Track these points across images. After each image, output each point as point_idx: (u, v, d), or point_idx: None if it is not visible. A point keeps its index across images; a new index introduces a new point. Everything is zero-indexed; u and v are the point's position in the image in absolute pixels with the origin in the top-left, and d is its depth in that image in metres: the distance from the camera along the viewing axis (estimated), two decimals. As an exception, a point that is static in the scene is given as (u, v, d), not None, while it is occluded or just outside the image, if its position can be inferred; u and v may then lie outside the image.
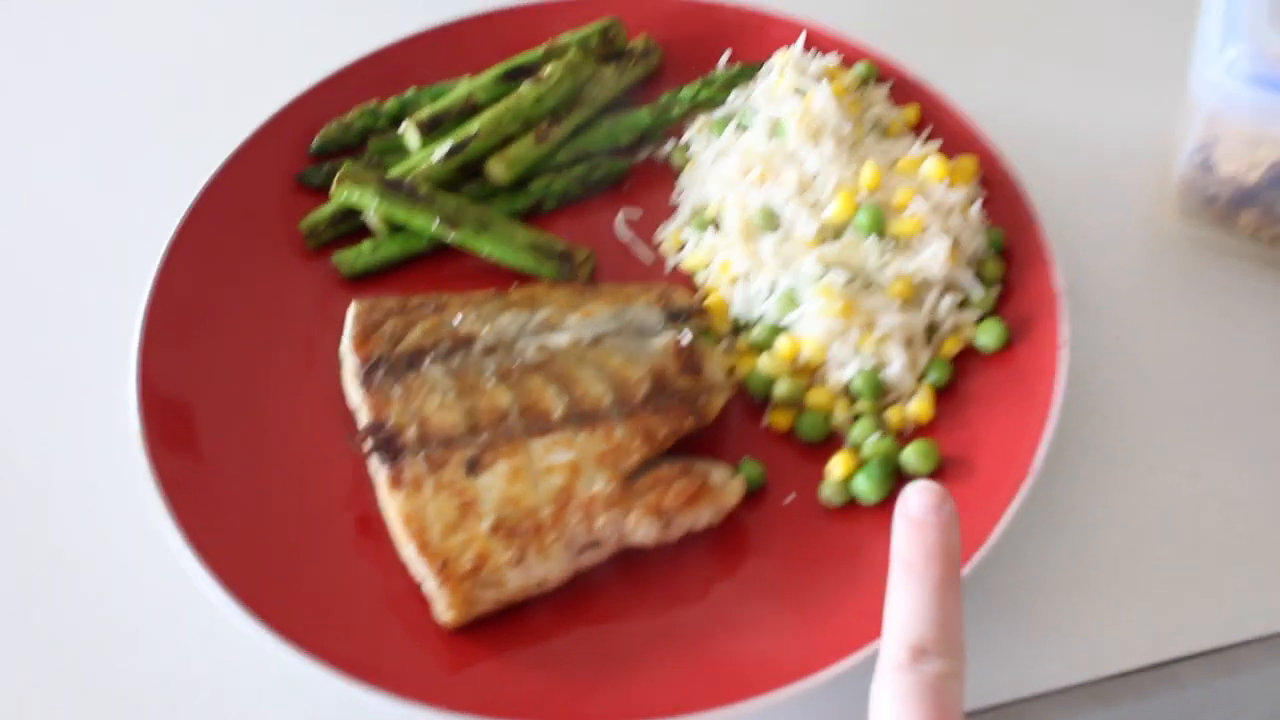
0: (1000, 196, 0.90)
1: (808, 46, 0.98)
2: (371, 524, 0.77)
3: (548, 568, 0.72)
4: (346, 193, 0.89)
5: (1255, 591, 0.78)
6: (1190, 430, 0.85)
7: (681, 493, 0.74)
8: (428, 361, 0.79)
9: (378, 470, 0.76)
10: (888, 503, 0.78)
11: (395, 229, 0.91)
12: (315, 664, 0.69)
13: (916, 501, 0.59)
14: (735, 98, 0.96)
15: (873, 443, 0.79)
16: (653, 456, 0.76)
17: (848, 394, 0.82)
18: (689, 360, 0.80)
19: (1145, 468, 0.83)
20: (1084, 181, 0.98)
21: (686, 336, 0.81)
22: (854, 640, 0.71)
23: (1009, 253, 0.88)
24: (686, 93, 0.97)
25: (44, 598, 0.79)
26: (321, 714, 0.74)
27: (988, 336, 0.83)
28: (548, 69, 0.95)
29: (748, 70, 0.97)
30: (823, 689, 0.70)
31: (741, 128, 0.93)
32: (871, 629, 0.70)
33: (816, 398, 0.82)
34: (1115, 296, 0.92)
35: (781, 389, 0.82)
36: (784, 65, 0.94)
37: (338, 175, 0.90)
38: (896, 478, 0.79)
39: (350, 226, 0.92)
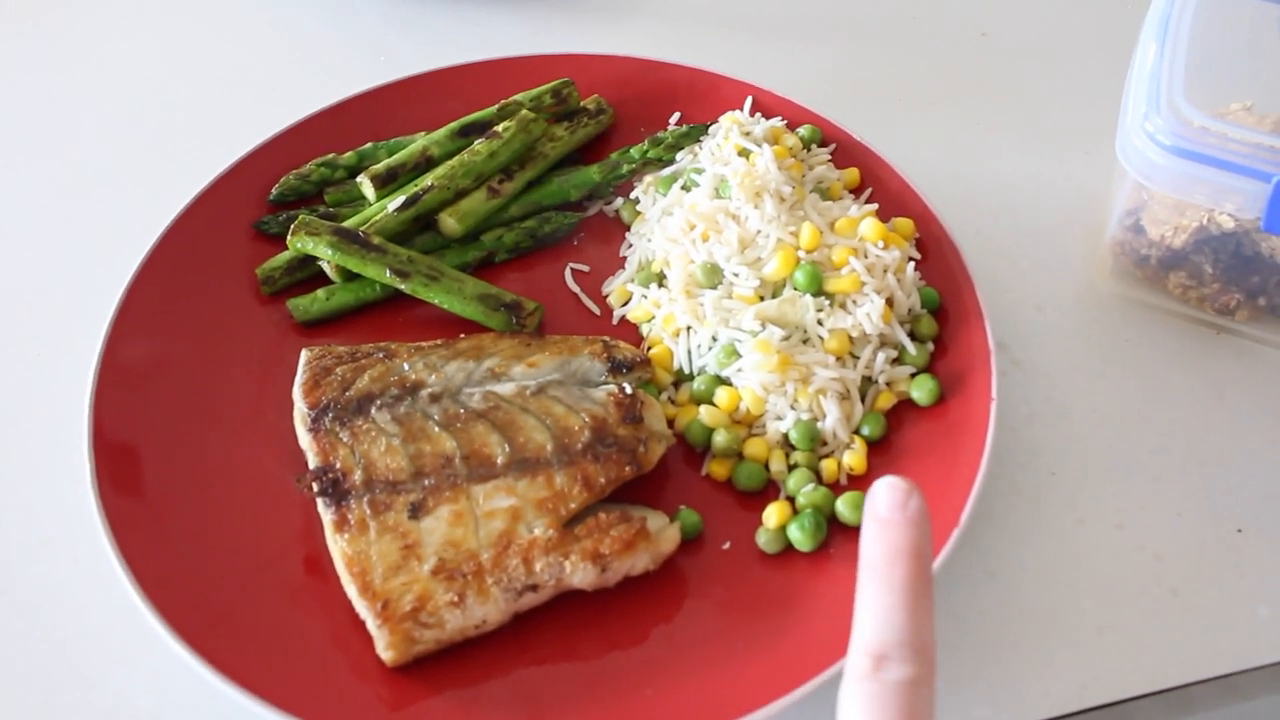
0: (937, 256, 0.93)
1: (754, 109, 1.02)
2: (320, 564, 0.79)
3: (487, 610, 0.74)
4: (301, 242, 0.91)
5: (1177, 642, 0.80)
6: (1118, 484, 0.87)
7: (619, 539, 0.76)
8: (375, 408, 0.81)
9: (324, 512, 0.78)
10: (822, 550, 0.80)
11: (350, 277, 0.93)
12: (257, 701, 0.71)
13: (884, 499, 0.55)
14: (683, 157, 0.99)
15: (808, 492, 0.81)
16: (592, 503, 0.78)
17: (785, 445, 0.85)
18: (630, 410, 0.82)
19: (1073, 519, 0.86)
20: (1022, 243, 1.01)
21: (628, 387, 0.83)
22: (788, 681, 0.72)
23: (943, 311, 0.91)
24: (636, 151, 1.00)
25: (-9, 635, 0.80)
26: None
27: (921, 391, 0.86)
28: (502, 126, 0.98)
29: (696, 130, 1.00)
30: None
31: (688, 186, 0.96)
32: (805, 670, 0.72)
33: (754, 448, 0.84)
34: (1049, 354, 0.95)
35: (720, 439, 0.84)
36: (730, 127, 0.97)
37: (293, 225, 0.92)
38: (830, 527, 0.81)
39: (306, 274, 0.94)
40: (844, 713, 0.51)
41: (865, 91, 1.13)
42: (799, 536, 0.79)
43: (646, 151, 0.99)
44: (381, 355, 0.85)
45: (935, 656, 0.53)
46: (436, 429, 0.80)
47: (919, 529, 0.54)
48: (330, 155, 0.99)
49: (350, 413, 0.81)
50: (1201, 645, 0.80)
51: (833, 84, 1.13)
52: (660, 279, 0.93)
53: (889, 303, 0.88)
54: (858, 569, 0.55)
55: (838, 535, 0.81)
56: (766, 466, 0.84)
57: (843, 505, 0.80)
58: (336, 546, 0.76)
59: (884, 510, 0.55)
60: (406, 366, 0.84)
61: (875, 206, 0.94)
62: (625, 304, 0.94)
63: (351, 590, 0.75)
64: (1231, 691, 0.80)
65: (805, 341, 0.87)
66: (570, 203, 1.00)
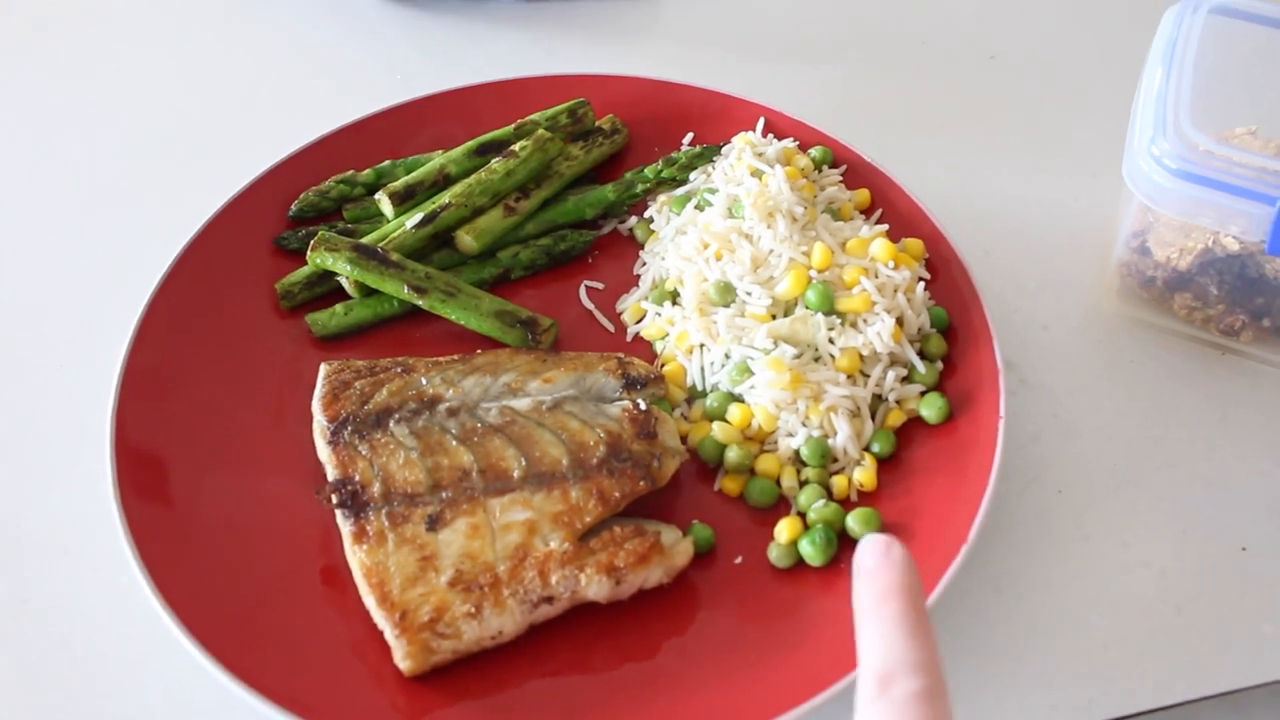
0: (946, 276, 0.94)
1: (767, 130, 1.03)
2: (338, 574, 0.80)
3: (503, 621, 0.75)
4: (320, 258, 0.92)
5: (1181, 658, 0.81)
6: (1123, 501, 0.88)
7: (633, 552, 0.77)
8: (394, 421, 0.82)
9: (343, 524, 0.79)
10: (832, 564, 0.81)
11: (368, 293, 0.94)
12: (275, 708, 0.72)
13: (867, 553, 0.58)
14: (696, 177, 1.00)
15: (818, 508, 0.82)
16: (607, 517, 0.79)
17: (796, 461, 0.86)
18: (644, 426, 0.83)
19: (1079, 536, 0.86)
20: (1030, 263, 1.02)
21: (642, 403, 0.85)
22: (799, 693, 0.73)
23: (952, 330, 0.92)
24: (650, 171, 1.01)
25: (12, 641, 0.81)
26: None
27: (930, 409, 0.87)
28: (518, 145, 0.99)
29: (709, 151, 1.01)
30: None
31: (701, 206, 0.97)
32: (816, 683, 0.73)
33: (766, 464, 0.85)
34: (1056, 373, 0.95)
35: (732, 455, 0.85)
36: (742, 148, 0.98)
37: (313, 241, 0.93)
38: (840, 542, 0.82)
39: (325, 289, 0.95)
40: None
41: (876, 113, 1.14)
42: (810, 551, 0.80)
43: (660, 171, 1.00)
44: (399, 370, 0.86)
45: (942, 671, 0.53)
46: (454, 443, 0.81)
47: (904, 571, 0.56)
48: (349, 172, 1.01)
49: (369, 426, 0.82)
50: (1206, 662, 0.81)
51: (843, 106, 1.14)
52: (674, 297, 0.94)
53: (899, 322, 0.89)
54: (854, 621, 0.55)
55: (848, 550, 0.81)
56: (778, 482, 0.85)
57: (853, 521, 0.81)
58: (355, 557, 0.77)
59: (868, 562, 0.57)
60: (424, 381, 0.85)
61: (885, 227, 0.95)
62: (639, 321, 0.95)
63: (370, 600, 0.76)
64: (1236, 708, 0.81)
65: (816, 360, 0.88)
66: (585, 221, 1.01)
